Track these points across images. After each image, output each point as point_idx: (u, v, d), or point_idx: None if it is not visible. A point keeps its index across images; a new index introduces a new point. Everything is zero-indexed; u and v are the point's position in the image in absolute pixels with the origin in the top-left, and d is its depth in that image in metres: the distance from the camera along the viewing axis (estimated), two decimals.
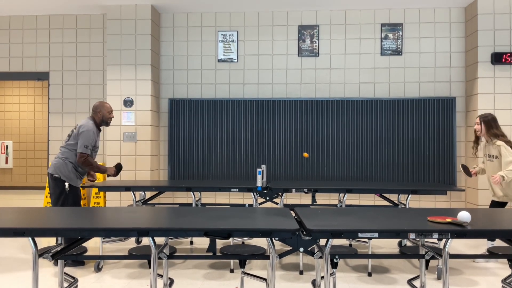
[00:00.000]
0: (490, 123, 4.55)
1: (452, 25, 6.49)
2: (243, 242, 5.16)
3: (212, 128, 6.64)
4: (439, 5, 6.41)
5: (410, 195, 4.59)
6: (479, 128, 4.61)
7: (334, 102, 6.52)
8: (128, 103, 6.38)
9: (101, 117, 4.44)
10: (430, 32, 6.51)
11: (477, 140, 4.73)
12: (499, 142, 4.44)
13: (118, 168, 4.63)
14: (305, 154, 4.48)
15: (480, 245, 5.27)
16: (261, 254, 2.94)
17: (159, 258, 2.85)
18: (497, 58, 6.00)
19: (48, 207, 3.06)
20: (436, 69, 6.50)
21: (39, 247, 4.72)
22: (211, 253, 2.91)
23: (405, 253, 4.63)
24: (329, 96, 6.60)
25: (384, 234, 2.36)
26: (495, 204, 4.64)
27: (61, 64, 6.87)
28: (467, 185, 6.37)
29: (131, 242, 5.37)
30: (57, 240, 4.69)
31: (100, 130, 4.52)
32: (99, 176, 6.55)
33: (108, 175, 4.56)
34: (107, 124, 4.49)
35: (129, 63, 6.39)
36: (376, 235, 2.35)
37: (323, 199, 6.61)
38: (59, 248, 2.78)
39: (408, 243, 5.23)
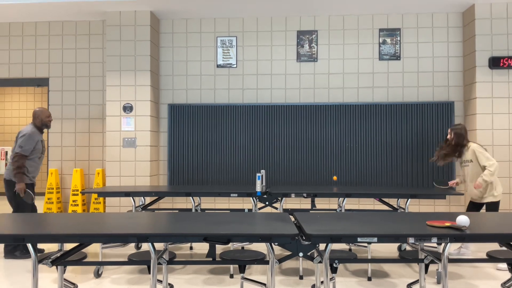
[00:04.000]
0: (461, 132, 4.85)
1: (450, 30, 6.53)
2: (242, 247, 5.16)
3: (211, 133, 6.66)
4: (436, 10, 6.45)
5: (409, 200, 4.60)
6: (451, 137, 4.89)
7: (332, 107, 6.54)
8: (128, 108, 6.40)
9: (40, 121, 4.96)
10: (428, 37, 6.54)
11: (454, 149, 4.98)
12: (473, 146, 4.74)
13: (28, 195, 4.82)
14: (335, 178, 4.89)
15: (480, 250, 5.27)
16: (260, 259, 2.94)
17: (159, 263, 2.86)
18: (495, 63, 6.03)
19: (48, 213, 3.06)
20: (434, 74, 6.53)
21: (38, 253, 4.72)
22: (210, 259, 2.92)
23: (404, 257, 4.63)
24: (327, 101, 6.62)
25: (384, 238, 2.37)
26: (472, 206, 4.88)
27: (61, 70, 6.89)
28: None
29: (130, 248, 5.36)
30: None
31: (42, 133, 5.04)
32: (98, 182, 6.55)
33: (18, 190, 4.75)
34: (47, 126, 5.01)
35: (129, 69, 6.41)
36: (375, 239, 2.36)
37: (322, 203, 6.61)
38: (59, 254, 2.78)
39: (408, 248, 5.23)
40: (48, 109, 5.13)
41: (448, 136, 4.92)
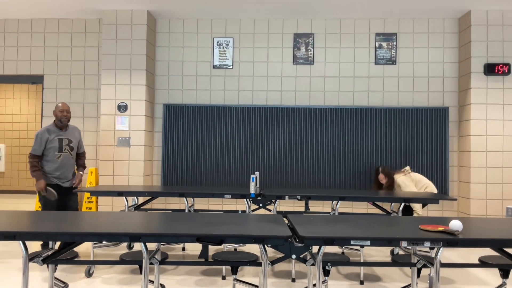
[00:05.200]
0: (388, 172, 5.40)
1: (445, 36, 6.56)
2: (235, 249, 5.15)
3: (206, 134, 6.64)
4: (433, 16, 6.48)
5: (402, 204, 4.61)
6: (384, 180, 5.43)
7: (328, 110, 6.55)
8: (122, 108, 6.37)
9: (55, 117, 4.92)
10: (424, 42, 6.57)
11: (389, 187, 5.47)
12: (399, 180, 5.30)
13: (49, 193, 4.77)
14: None
15: (472, 254, 5.29)
16: (253, 261, 2.93)
17: (151, 263, 2.84)
18: (490, 69, 6.06)
19: (40, 211, 3.04)
20: (429, 79, 6.55)
21: (30, 251, 4.68)
22: (203, 260, 2.90)
23: (397, 261, 4.64)
24: (323, 104, 6.63)
25: (376, 242, 2.37)
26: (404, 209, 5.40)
27: (56, 68, 6.85)
28: (460, 194, 6.40)
29: (122, 248, 5.33)
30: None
31: (60, 129, 4.92)
32: (91, 181, 6.52)
33: (38, 189, 4.76)
34: (60, 121, 4.88)
35: (124, 68, 6.38)
36: (368, 242, 2.36)
37: (316, 206, 6.61)
38: (50, 253, 2.75)
39: (400, 252, 5.24)
40: (62, 103, 4.92)
41: (384, 181, 5.42)
